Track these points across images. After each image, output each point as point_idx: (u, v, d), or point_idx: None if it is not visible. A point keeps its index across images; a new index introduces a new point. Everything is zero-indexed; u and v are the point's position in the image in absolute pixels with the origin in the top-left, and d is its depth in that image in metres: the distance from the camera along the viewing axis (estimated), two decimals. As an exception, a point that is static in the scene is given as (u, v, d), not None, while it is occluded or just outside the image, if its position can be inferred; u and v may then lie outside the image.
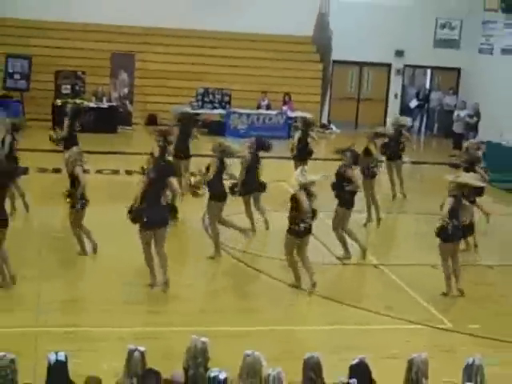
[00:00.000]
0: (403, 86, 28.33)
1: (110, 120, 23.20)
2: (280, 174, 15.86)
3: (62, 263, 12.02)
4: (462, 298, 11.55)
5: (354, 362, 6.75)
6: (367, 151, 15.09)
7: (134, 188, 11.12)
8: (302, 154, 16.63)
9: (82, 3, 24.98)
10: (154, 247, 10.93)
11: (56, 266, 11.85)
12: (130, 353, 6.75)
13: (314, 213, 11.12)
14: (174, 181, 11.16)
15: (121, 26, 25.31)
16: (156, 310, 10.47)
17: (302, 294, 11.33)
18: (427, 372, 6.72)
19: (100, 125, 22.32)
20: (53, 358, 6.43)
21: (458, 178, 11.29)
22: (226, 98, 24.62)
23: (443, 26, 27.42)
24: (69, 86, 23.78)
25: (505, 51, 25.10)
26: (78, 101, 22.78)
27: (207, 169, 12.56)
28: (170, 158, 14.11)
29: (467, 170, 13.58)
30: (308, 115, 23.57)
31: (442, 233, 11.21)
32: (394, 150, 17.03)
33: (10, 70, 23.83)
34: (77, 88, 23.89)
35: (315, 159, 17.34)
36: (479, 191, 13.36)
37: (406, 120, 18.54)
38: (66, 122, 16.32)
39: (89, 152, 15.05)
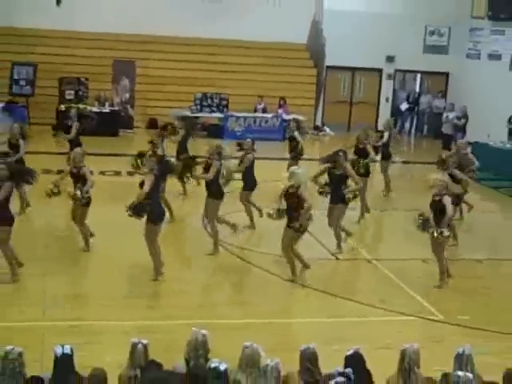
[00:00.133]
0: (394, 90, 28.35)
1: (112, 124, 23.21)
2: (277, 174, 15.90)
3: (67, 260, 12.00)
4: (452, 290, 11.55)
5: (349, 353, 6.72)
6: (362, 150, 15.16)
7: (136, 187, 11.12)
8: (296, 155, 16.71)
9: (85, 13, 24.97)
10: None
11: (60, 263, 11.83)
12: (134, 345, 6.72)
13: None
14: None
15: (122, 34, 25.32)
16: (157, 305, 10.49)
17: (298, 287, 11.34)
18: (419, 361, 6.70)
19: (102, 128, 22.23)
20: (59, 351, 6.39)
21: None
22: (224, 102, 24.62)
23: (432, 33, 27.45)
24: (72, 92, 23.78)
25: (491, 56, 25.13)
26: (81, 106, 22.76)
27: (206, 169, 12.57)
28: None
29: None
30: (302, 118, 23.64)
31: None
32: (386, 150, 17.10)
33: (16, 77, 23.81)
34: (80, 93, 23.89)
35: (310, 160, 17.33)
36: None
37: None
38: (75, 124, 16.41)
39: (92, 154, 15.10)
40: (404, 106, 27.99)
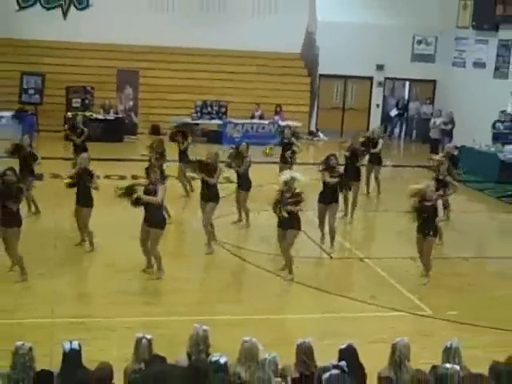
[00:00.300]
0: (384, 97, 28.31)
1: (116, 130, 23.18)
2: (273, 178, 15.90)
3: (74, 260, 12.00)
4: (440, 287, 11.57)
5: (342, 347, 6.73)
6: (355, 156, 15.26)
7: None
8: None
9: (91, 25, 24.92)
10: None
11: (68, 263, 11.84)
12: (138, 340, 6.71)
13: None
14: None
15: (126, 45, 25.27)
16: (159, 302, 10.50)
17: (293, 285, 11.34)
18: (409, 355, 6.70)
19: (108, 135, 22.31)
20: (67, 346, 6.39)
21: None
22: (223, 110, 24.59)
23: (420, 42, 27.44)
24: (79, 100, 23.73)
25: (476, 64, 25.12)
26: (87, 113, 22.78)
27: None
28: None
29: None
30: (297, 124, 23.66)
31: (435, 231, 11.41)
32: (378, 156, 17.15)
33: (25, 86, 23.76)
34: (86, 102, 23.85)
35: (305, 164, 17.38)
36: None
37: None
38: (85, 131, 16.72)
39: (98, 159, 15.11)
40: (394, 112, 27.99)
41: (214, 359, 6.40)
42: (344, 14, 25.66)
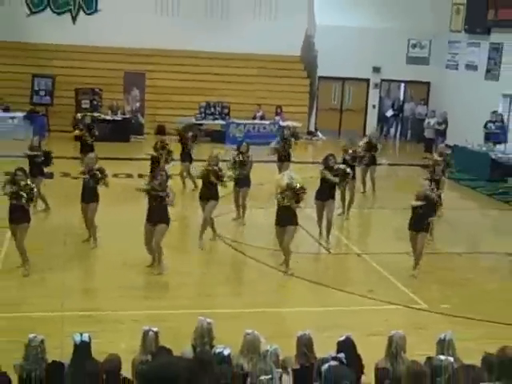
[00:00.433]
0: (380, 98, 28.26)
1: (124, 130, 23.15)
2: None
3: (82, 256, 12.00)
4: (434, 281, 11.57)
5: (341, 339, 6.73)
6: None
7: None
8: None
9: (99, 29, 24.88)
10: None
11: (77, 258, 11.83)
12: (145, 333, 6.73)
13: None
14: None
15: (132, 48, 25.22)
16: (165, 296, 10.50)
17: (293, 279, 11.33)
18: (405, 347, 6.71)
19: (115, 135, 22.28)
20: (78, 338, 6.39)
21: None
22: (226, 110, 24.57)
23: (414, 46, 27.38)
24: (88, 101, 23.71)
25: (468, 67, 25.07)
26: (95, 114, 22.78)
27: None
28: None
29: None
30: (297, 124, 23.66)
31: (427, 227, 11.42)
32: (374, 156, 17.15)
33: (36, 88, 23.74)
34: (95, 103, 23.83)
35: (304, 162, 17.38)
36: None
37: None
38: (95, 131, 16.89)
39: (106, 158, 15.11)
40: (389, 113, 27.94)
41: (217, 351, 6.40)
42: (342, 18, 25.61)
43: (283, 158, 16.76)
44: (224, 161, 13.77)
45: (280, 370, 6.32)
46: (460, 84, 24.95)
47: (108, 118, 23.20)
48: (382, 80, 27.79)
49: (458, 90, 24.98)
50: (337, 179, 12.97)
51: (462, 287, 11.44)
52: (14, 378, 6.31)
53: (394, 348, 6.65)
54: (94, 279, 11.29)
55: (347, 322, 9.41)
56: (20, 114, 22.74)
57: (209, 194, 12.61)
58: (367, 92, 27.79)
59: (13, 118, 22.59)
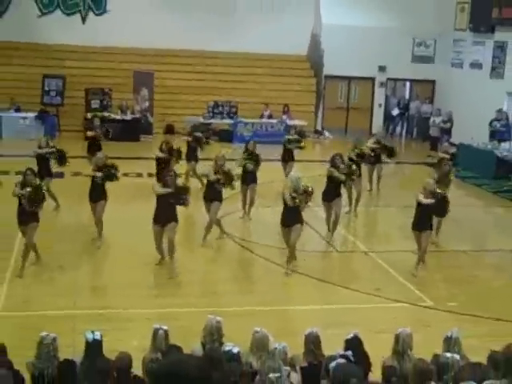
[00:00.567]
0: (386, 97, 28.20)
1: (133, 130, 23.18)
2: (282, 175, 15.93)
3: (92, 254, 12.02)
4: (440, 279, 11.55)
5: (348, 337, 6.73)
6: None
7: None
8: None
9: (108, 29, 24.90)
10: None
11: (87, 257, 11.85)
12: (155, 331, 6.74)
13: None
14: None
15: (141, 48, 25.24)
16: (174, 294, 10.47)
17: (300, 277, 11.31)
18: (412, 344, 6.71)
19: (125, 134, 22.29)
20: (90, 336, 6.41)
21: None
22: (233, 110, 24.58)
23: (419, 44, 27.31)
24: (97, 101, 23.74)
25: (473, 65, 24.99)
26: (105, 114, 22.83)
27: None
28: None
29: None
30: (304, 123, 23.65)
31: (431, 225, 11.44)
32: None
33: (47, 88, 23.79)
34: (104, 103, 23.86)
35: (312, 161, 17.37)
36: None
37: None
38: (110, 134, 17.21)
39: (116, 158, 15.10)
40: (395, 112, 27.88)
41: (227, 349, 6.42)
42: (348, 17, 25.57)
43: (287, 158, 16.74)
44: (231, 160, 13.76)
45: (288, 368, 6.33)
46: (465, 82, 24.89)
47: (117, 117, 23.24)
48: (388, 79, 27.73)
49: (463, 88, 24.91)
50: (343, 177, 12.93)
51: (468, 285, 11.41)
52: (27, 376, 6.34)
53: (401, 346, 6.66)
54: (105, 277, 11.31)
55: (354, 319, 9.40)
56: (31, 115, 22.79)
57: (212, 195, 12.54)
58: (373, 91, 27.73)
59: (24, 118, 22.65)
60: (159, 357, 6.56)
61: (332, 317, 9.62)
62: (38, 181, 10.87)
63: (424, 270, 11.72)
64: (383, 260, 12.27)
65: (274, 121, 24.37)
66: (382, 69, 27.10)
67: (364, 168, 15.68)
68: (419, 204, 11.32)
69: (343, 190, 13.79)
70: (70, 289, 10.26)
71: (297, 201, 10.93)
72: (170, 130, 24.03)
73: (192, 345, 6.79)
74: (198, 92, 25.04)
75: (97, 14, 26.09)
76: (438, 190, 11.45)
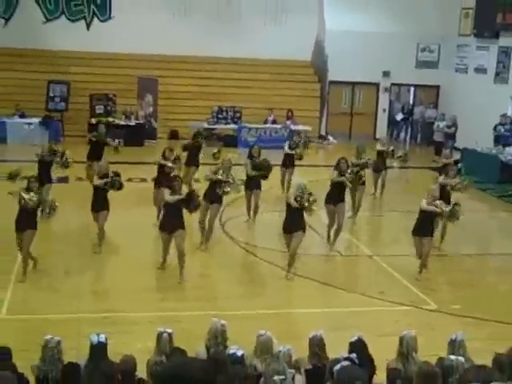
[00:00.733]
0: (390, 102, 28.21)
1: (137, 135, 23.19)
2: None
3: (97, 258, 12.00)
4: (445, 282, 11.53)
5: (352, 339, 6.72)
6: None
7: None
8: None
9: (112, 36, 24.98)
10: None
11: (91, 262, 11.83)
12: (160, 334, 6.74)
13: None
14: None
15: (145, 54, 25.32)
16: (177, 297, 10.47)
17: (304, 280, 11.30)
18: (416, 347, 6.70)
19: (129, 139, 22.29)
20: (95, 339, 6.41)
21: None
22: (238, 115, 24.59)
23: (423, 50, 27.33)
24: (102, 107, 23.79)
25: (477, 70, 25.01)
26: (109, 119, 22.88)
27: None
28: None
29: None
30: (308, 128, 23.67)
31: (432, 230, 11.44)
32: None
33: (51, 94, 23.86)
34: (109, 108, 23.91)
35: (316, 166, 17.38)
36: None
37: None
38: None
39: (120, 163, 15.16)
40: (399, 117, 27.89)
41: (231, 352, 6.41)
42: (352, 23, 25.60)
43: (287, 163, 16.73)
44: (237, 165, 13.77)
45: (293, 371, 6.32)
46: (469, 87, 24.89)
47: (122, 123, 23.28)
48: (392, 84, 27.75)
49: (467, 93, 24.92)
50: (348, 177, 12.85)
51: (472, 288, 11.40)
52: (31, 379, 6.34)
53: (405, 348, 6.64)
54: (109, 281, 11.31)
55: (359, 322, 9.39)
56: (36, 120, 22.85)
57: (213, 196, 12.45)
58: (377, 96, 27.74)
59: (29, 123, 22.70)
60: (163, 360, 6.56)
61: (336, 320, 9.61)
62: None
63: (428, 273, 11.70)
64: (387, 264, 12.26)
65: (278, 126, 24.39)
66: (386, 74, 27.12)
67: (367, 172, 15.62)
68: (422, 210, 11.33)
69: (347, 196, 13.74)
70: (74, 292, 10.28)
71: (302, 201, 10.90)
72: (174, 135, 24.15)
73: (196, 348, 6.78)
74: (202, 97, 25.07)
75: (101, 21, 26.19)
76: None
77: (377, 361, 6.65)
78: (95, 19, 26.16)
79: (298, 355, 6.66)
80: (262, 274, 11.92)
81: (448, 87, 26.85)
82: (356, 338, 6.72)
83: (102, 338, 6.41)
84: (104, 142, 16.61)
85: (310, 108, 26.16)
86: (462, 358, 6.31)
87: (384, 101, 27.83)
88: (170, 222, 10.97)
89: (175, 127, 24.54)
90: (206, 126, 23.16)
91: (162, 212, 11.97)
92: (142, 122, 23.92)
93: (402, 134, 28.25)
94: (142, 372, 6.41)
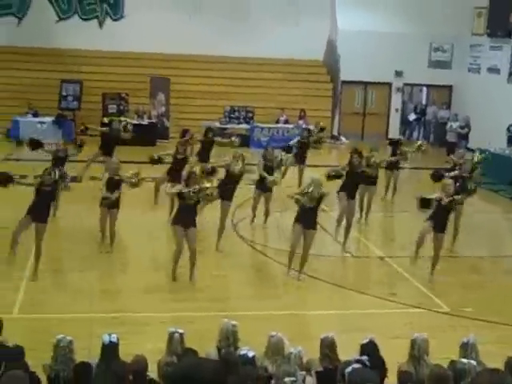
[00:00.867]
0: (403, 102, 28.15)
1: (149, 134, 23.23)
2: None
3: (109, 257, 12.02)
4: (457, 284, 11.48)
5: (364, 342, 6.70)
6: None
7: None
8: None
9: (125, 35, 25.05)
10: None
11: (104, 260, 11.86)
12: (171, 335, 6.75)
13: None
14: None
15: (158, 54, 25.38)
16: (190, 298, 10.46)
17: (315, 282, 11.27)
18: (428, 350, 6.67)
19: (141, 139, 22.32)
20: (106, 339, 6.42)
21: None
22: (250, 115, 24.63)
23: (436, 49, 27.25)
24: (114, 106, 23.88)
25: (490, 70, 24.91)
26: (122, 118, 22.89)
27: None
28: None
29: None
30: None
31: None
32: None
33: (64, 93, 23.97)
34: (121, 107, 23.97)
35: (328, 166, 17.29)
36: None
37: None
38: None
39: (132, 162, 15.18)
40: (412, 117, 27.81)
41: (242, 353, 6.41)
42: (364, 22, 25.57)
43: (298, 160, 16.66)
44: (250, 164, 13.73)
45: (304, 372, 6.31)
46: (482, 87, 24.79)
47: (134, 122, 23.26)
48: (405, 84, 27.68)
49: (480, 93, 24.82)
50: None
51: (484, 290, 11.34)
52: (43, 378, 6.37)
53: (417, 351, 6.62)
54: (120, 281, 11.32)
55: (370, 324, 9.37)
56: (48, 119, 22.94)
57: (221, 193, 12.16)
58: (390, 96, 27.68)
59: (41, 122, 22.79)
60: (175, 360, 6.57)
61: (347, 322, 9.60)
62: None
63: (440, 275, 11.65)
64: (399, 265, 12.23)
65: (291, 126, 24.37)
66: (398, 74, 27.06)
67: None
68: (438, 204, 11.29)
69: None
70: (86, 292, 10.30)
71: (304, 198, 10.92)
72: (186, 135, 24.13)
73: (207, 349, 6.78)
74: (214, 97, 25.10)
75: (114, 20, 26.26)
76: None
77: (388, 363, 6.63)
78: (108, 18, 26.24)
79: (309, 357, 6.65)
80: (274, 275, 11.91)
81: (461, 87, 26.76)
82: (367, 340, 6.70)
83: (114, 338, 6.42)
84: (117, 137, 16.63)
85: (322, 108, 26.13)
86: (474, 362, 6.28)
87: (397, 101, 27.78)
88: (183, 219, 10.91)
89: (187, 126, 24.51)
90: (218, 125, 23.17)
91: (174, 208, 11.96)
92: (154, 121, 23.97)
93: (415, 134, 28.16)
94: (153, 372, 6.41)
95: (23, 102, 23.29)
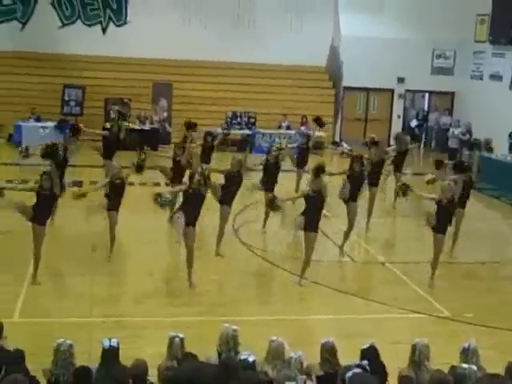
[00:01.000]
0: (405, 108, 28.15)
1: (151, 140, 23.21)
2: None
3: (109, 262, 12.00)
4: (457, 290, 11.47)
5: (364, 346, 6.69)
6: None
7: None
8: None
9: (128, 40, 25.10)
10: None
11: (104, 265, 11.83)
12: (171, 339, 6.74)
13: None
14: None
15: (160, 59, 25.41)
16: (190, 303, 10.46)
17: (316, 287, 11.26)
18: (429, 355, 6.66)
19: (143, 144, 22.33)
20: (107, 343, 6.41)
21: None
22: (252, 120, 24.66)
23: (439, 56, 27.27)
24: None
25: (493, 77, 24.92)
26: (124, 123, 22.88)
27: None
28: None
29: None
30: (322, 134, 23.64)
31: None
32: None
33: (67, 98, 24.00)
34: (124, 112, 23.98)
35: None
36: None
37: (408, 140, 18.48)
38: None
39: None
40: (414, 123, 27.79)
41: (243, 357, 6.39)
42: (367, 29, 25.60)
43: (299, 165, 16.69)
44: (250, 169, 13.75)
45: (304, 377, 6.30)
46: (485, 94, 24.79)
47: (136, 127, 23.33)
48: (407, 90, 27.69)
49: (482, 100, 24.82)
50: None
51: (485, 296, 11.33)
52: (43, 382, 6.36)
53: (418, 356, 6.61)
54: (121, 286, 11.31)
55: (371, 329, 9.36)
56: (51, 124, 22.93)
57: (221, 197, 12.35)
58: (392, 102, 27.70)
59: (44, 127, 22.80)
60: (175, 365, 6.56)
61: (348, 327, 9.58)
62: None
63: (441, 280, 11.64)
64: (400, 270, 12.22)
65: (293, 131, 24.37)
66: (400, 80, 27.08)
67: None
68: (438, 206, 11.28)
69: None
70: (87, 296, 10.29)
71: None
72: (190, 126, 24.04)
73: (207, 353, 6.77)
74: (216, 103, 25.14)
75: (117, 25, 26.30)
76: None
77: (389, 368, 6.61)
78: (111, 24, 26.27)
79: (309, 361, 6.64)
80: (274, 280, 11.90)
81: (463, 94, 26.77)
82: (368, 345, 6.69)
83: (114, 342, 6.41)
84: (117, 141, 16.61)
85: (324, 114, 25.91)
86: (474, 367, 6.26)
87: (399, 107, 27.79)
88: (192, 216, 10.79)
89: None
90: (219, 131, 23.15)
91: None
92: (156, 126, 23.99)
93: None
94: (153, 377, 6.40)
95: (26, 107, 23.33)
